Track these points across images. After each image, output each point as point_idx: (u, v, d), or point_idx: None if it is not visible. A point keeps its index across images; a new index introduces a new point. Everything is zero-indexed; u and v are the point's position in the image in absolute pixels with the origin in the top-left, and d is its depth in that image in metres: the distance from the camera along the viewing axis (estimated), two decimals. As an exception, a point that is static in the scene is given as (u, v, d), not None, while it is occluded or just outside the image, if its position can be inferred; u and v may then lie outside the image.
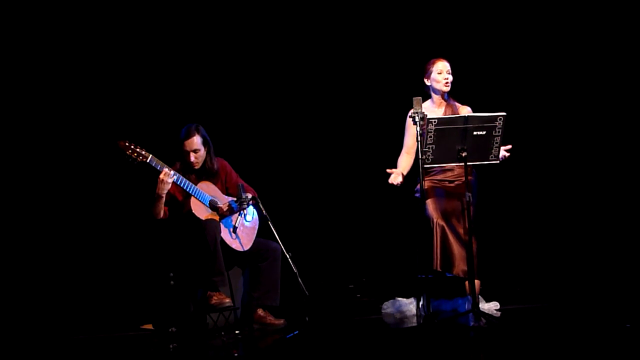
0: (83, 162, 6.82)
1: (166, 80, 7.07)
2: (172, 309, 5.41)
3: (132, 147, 5.24)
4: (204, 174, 5.62)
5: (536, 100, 6.78)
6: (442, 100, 5.66)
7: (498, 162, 5.23)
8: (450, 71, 5.60)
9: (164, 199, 5.38)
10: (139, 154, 5.25)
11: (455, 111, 5.63)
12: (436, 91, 5.64)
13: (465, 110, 5.64)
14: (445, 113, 5.62)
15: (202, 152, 5.57)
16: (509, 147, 5.34)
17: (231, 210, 5.55)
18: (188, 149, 5.53)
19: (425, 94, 5.67)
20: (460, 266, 5.44)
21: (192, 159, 5.53)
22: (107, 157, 6.25)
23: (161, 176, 5.29)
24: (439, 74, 5.58)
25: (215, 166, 5.66)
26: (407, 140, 5.72)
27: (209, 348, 5.08)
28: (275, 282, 5.66)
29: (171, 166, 5.42)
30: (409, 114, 5.29)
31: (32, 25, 6.74)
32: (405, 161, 5.70)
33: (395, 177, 5.52)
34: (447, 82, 5.57)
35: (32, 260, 6.65)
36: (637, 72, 7.17)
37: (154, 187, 5.35)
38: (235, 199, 5.55)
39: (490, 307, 5.69)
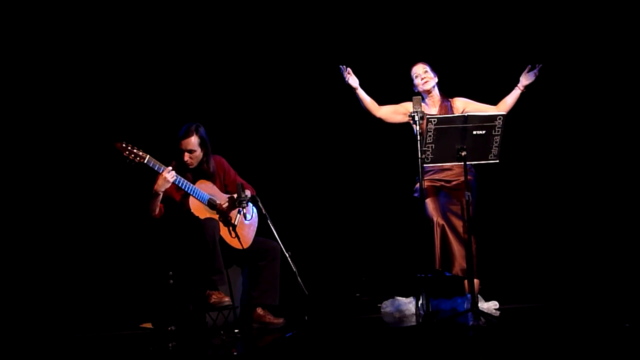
0: (82, 162, 6.83)
1: (164, 78, 7.07)
2: (171, 308, 5.41)
3: (129, 148, 5.22)
4: (200, 174, 5.61)
5: (536, 100, 6.76)
6: (434, 99, 5.78)
7: (497, 161, 5.24)
8: (426, 70, 5.77)
9: (160, 197, 5.38)
10: (137, 155, 5.23)
11: (448, 107, 5.73)
12: (422, 93, 5.77)
13: (458, 103, 5.77)
14: (439, 111, 5.73)
15: (198, 153, 5.56)
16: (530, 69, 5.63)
17: (230, 207, 5.55)
18: (184, 148, 5.52)
19: None
20: (459, 265, 5.46)
21: (187, 158, 5.53)
22: (105, 157, 6.25)
23: (163, 174, 5.28)
24: (415, 77, 5.79)
25: (212, 168, 5.64)
26: (389, 107, 5.81)
27: (208, 347, 5.08)
28: (274, 281, 5.66)
29: (167, 164, 5.40)
30: (410, 112, 5.33)
31: (29, 27, 6.74)
32: (370, 102, 5.78)
33: (351, 78, 5.68)
34: (424, 82, 5.74)
35: (31, 260, 6.65)
36: (636, 72, 7.17)
37: (152, 186, 5.35)
38: (234, 195, 5.55)
39: (489, 306, 5.69)
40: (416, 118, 5.19)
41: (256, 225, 5.76)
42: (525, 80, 5.69)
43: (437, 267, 5.51)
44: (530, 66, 5.69)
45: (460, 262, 5.46)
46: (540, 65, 5.65)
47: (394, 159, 7.03)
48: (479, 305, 5.29)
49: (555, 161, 7.43)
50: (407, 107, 5.69)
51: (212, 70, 7.27)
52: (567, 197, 7.42)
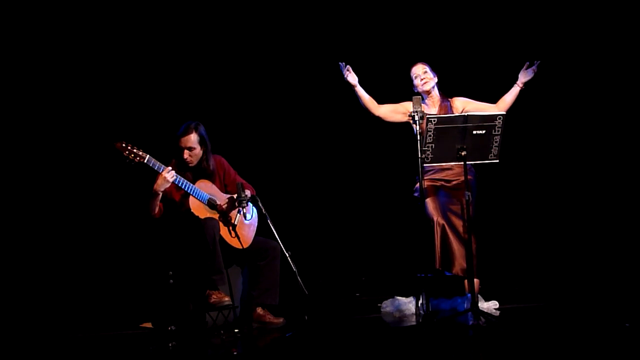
0: (82, 162, 6.82)
1: (164, 78, 7.07)
2: (171, 308, 5.41)
3: (129, 148, 5.23)
4: (199, 173, 5.62)
5: (535, 100, 6.78)
6: (433, 99, 5.80)
7: (497, 161, 5.24)
8: (426, 70, 5.78)
9: (160, 196, 5.38)
10: (136, 155, 5.24)
11: (447, 107, 5.75)
12: (422, 93, 5.77)
13: (458, 103, 5.78)
14: (439, 111, 5.74)
15: (198, 150, 5.57)
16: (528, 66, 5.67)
17: (230, 207, 5.55)
18: (183, 145, 5.53)
19: None
20: (460, 265, 5.46)
21: (186, 156, 5.53)
22: (105, 157, 6.25)
23: (163, 173, 5.28)
24: (415, 78, 5.80)
25: (211, 166, 5.65)
26: (388, 105, 5.83)
27: (208, 346, 5.08)
28: (274, 281, 5.66)
29: (167, 163, 5.41)
30: (410, 112, 5.34)
31: (29, 27, 6.73)
32: (369, 99, 5.81)
33: (350, 75, 5.72)
34: (423, 83, 5.76)
35: (32, 260, 6.65)
36: (636, 72, 7.17)
37: (152, 186, 5.35)
38: (234, 196, 5.55)
39: (489, 306, 5.69)
40: (416, 118, 5.19)
41: (256, 225, 5.76)
42: (523, 77, 5.70)
43: (437, 266, 5.51)
44: (528, 63, 5.71)
45: (460, 261, 5.47)
46: (539, 61, 5.67)
47: (394, 158, 7.03)
48: (479, 305, 5.28)
49: (555, 161, 7.43)
50: (407, 106, 5.70)
51: (212, 69, 7.26)
52: (567, 197, 7.42)
